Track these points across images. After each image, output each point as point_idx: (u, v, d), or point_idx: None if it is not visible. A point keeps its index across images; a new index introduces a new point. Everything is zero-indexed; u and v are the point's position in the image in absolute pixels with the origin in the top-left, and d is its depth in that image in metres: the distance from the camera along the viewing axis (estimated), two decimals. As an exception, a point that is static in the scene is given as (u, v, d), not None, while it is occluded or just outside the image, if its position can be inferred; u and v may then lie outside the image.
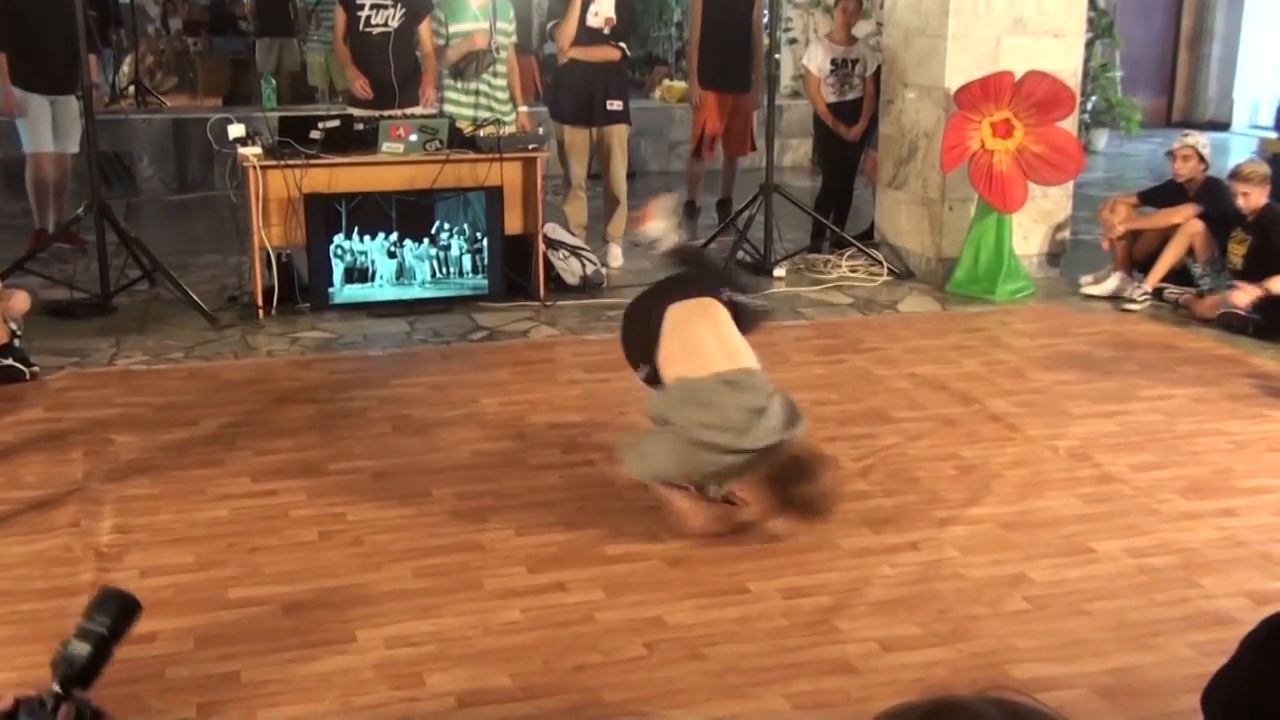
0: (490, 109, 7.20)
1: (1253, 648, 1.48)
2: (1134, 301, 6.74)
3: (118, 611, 1.67)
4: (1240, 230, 6.53)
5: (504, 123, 6.93)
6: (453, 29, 7.13)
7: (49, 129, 7.67)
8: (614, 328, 6.32)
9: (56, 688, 1.60)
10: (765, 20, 8.61)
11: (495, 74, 7.25)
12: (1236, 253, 6.54)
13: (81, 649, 1.62)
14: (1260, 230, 6.43)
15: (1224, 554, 3.87)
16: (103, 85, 6.92)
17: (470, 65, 7.16)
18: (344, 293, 6.41)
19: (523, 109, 7.53)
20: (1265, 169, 6.68)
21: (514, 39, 7.41)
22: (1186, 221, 6.69)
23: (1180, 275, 6.78)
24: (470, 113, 7.14)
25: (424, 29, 7.23)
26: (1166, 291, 6.76)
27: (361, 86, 7.10)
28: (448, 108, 7.25)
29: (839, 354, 5.96)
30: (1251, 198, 6.42)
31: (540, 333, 6.30)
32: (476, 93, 7.22)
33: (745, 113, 8.58)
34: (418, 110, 7.15)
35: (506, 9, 7.32)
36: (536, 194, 6.74)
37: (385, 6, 7.05)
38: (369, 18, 7.06)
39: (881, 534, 4.00)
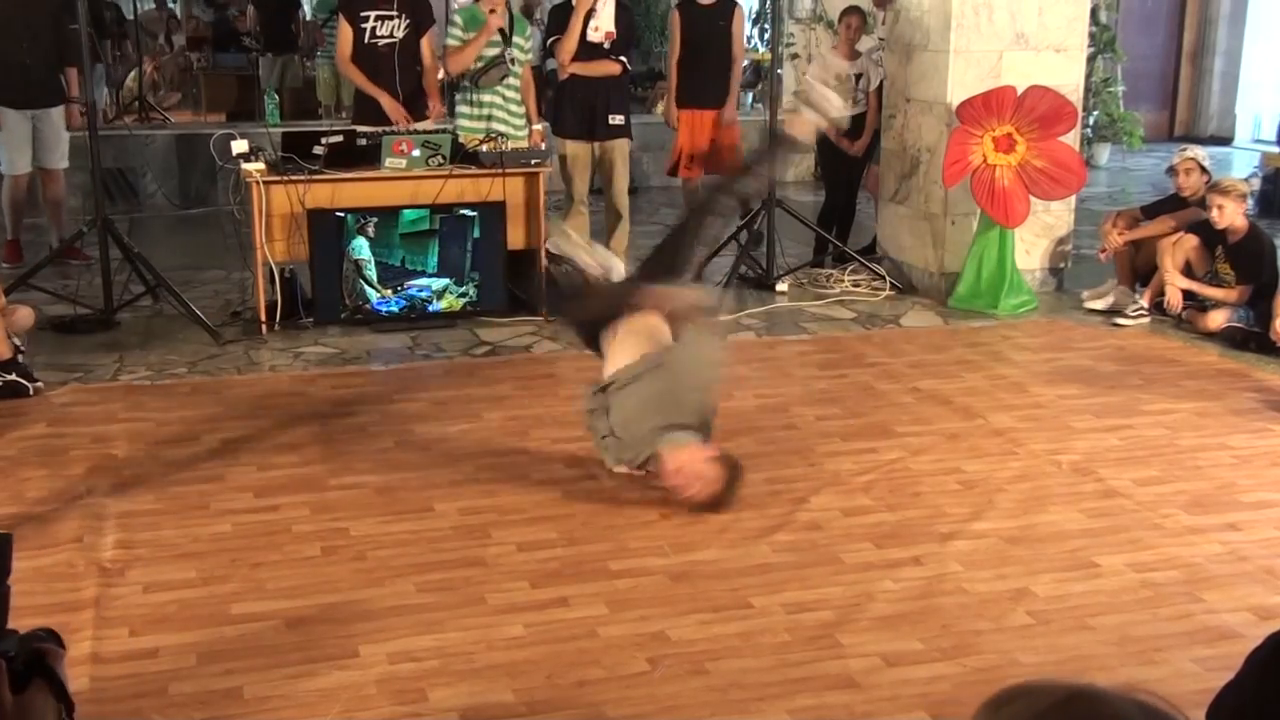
0: (505, 122, 7.17)
1: (1257, 664, 1.48)
2: (1127, 317, 6.74)
3: None
4: (1221, 249, 6.53)
5: (507, 138, 6.93)
6: (468, 36, 7.09)
7: (27, 148, 7.65)
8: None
9: None
10: (747, 34, 8.52)
11: (509, 88, 7.22)
12: (1225, 270, 6.54)
13: None
14: (1242, 258, 6.44)
15: (1227, 569, 3.86)
16: (89, 97, 6.88)
17: (490, 69, 7.08)
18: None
19: (538, 126, 7.50)
20: (1245, 187, 6.69)
21: (530, 56, 7.38)
22: (1181, 237, 6.69)
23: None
24: (484, 125, 7.11)
25: (425, 42, 7.23)
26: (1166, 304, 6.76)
27: (390, 105, 6.96)
28: (461, 121, 7.24)
29: (841, 368, 5.96)
30: (1225, 213, 6.41)
31: (543, 347, 6.31)
32: (490, 105, 7.19)
33: (727, 126, 8.38)
34: (421, 125, 7.14)
35: (524, 26, 7.30)
36: (539, 209, 6.76)
37: (390, 18, 7.02)
38: (374, 29, 7.01)
39: (884, 549, 4.00)
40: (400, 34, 7.01)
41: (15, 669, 1.47)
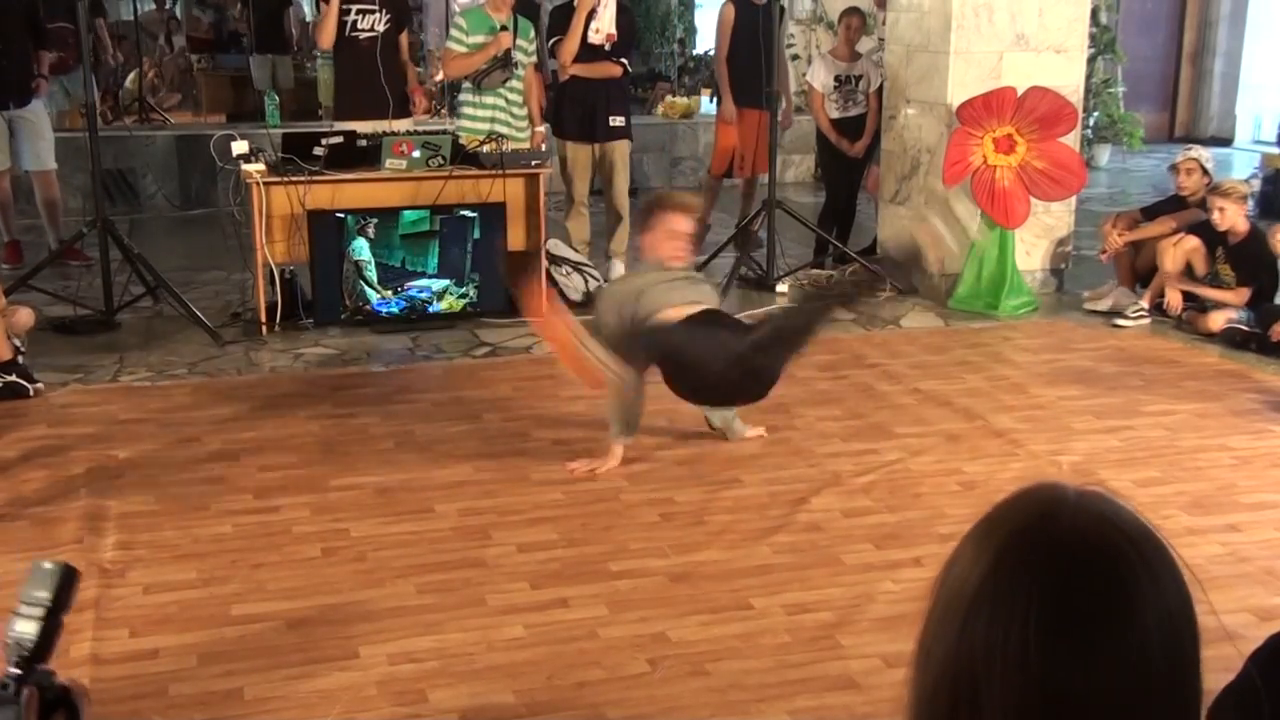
0: (507, 124, 7.17)
1: (1258, 665, 1.48)
2: (1127, 318, 6.74)
3: (58, 584, 1.65)
4: (1222, 250, 6.53)
5: (508, 139, 6.93)
6: (473, 40, 7.09)
7: (4, 145, 7.65)
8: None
9: (15, 669, 1.57)
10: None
11: (512, 89, 7.22)
12: (1226, 272, 6.54)
13: (27, 629, 1.60)
14: (1243, 260, 6.44)
15: (1228, 570, 3.86)
16: (90, 98, 6.89)
17: (492, 72, 7.07)
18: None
19: (540, 128, 7.50)
20: (1245, 189, 6.70)
21: (533, 58, 7.38)
22: (1182, 238, 6.68)
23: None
24: (486, 127, 7.09)
25: (403, 38, 7.27)
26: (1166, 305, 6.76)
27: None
28: (463, 122, 7.24)
29: (842, 369, 5.95)
30: (1227, 215, 6.41)
31: (543, 349, 6.29)
32: (494, 107, 7.18)
33: (765, 130, 8.40)
34: (408, 125, 7.16)
35: (527, 28, 7.29)
36: (539, 210, 6.76)
37: (371, 11, 7.01)
38: (355, 22, 7.00)
39: (885, 550, 4.00)
40: (381, 28, 7.03)
41: (46, 699, 1.54)
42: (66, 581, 1.65)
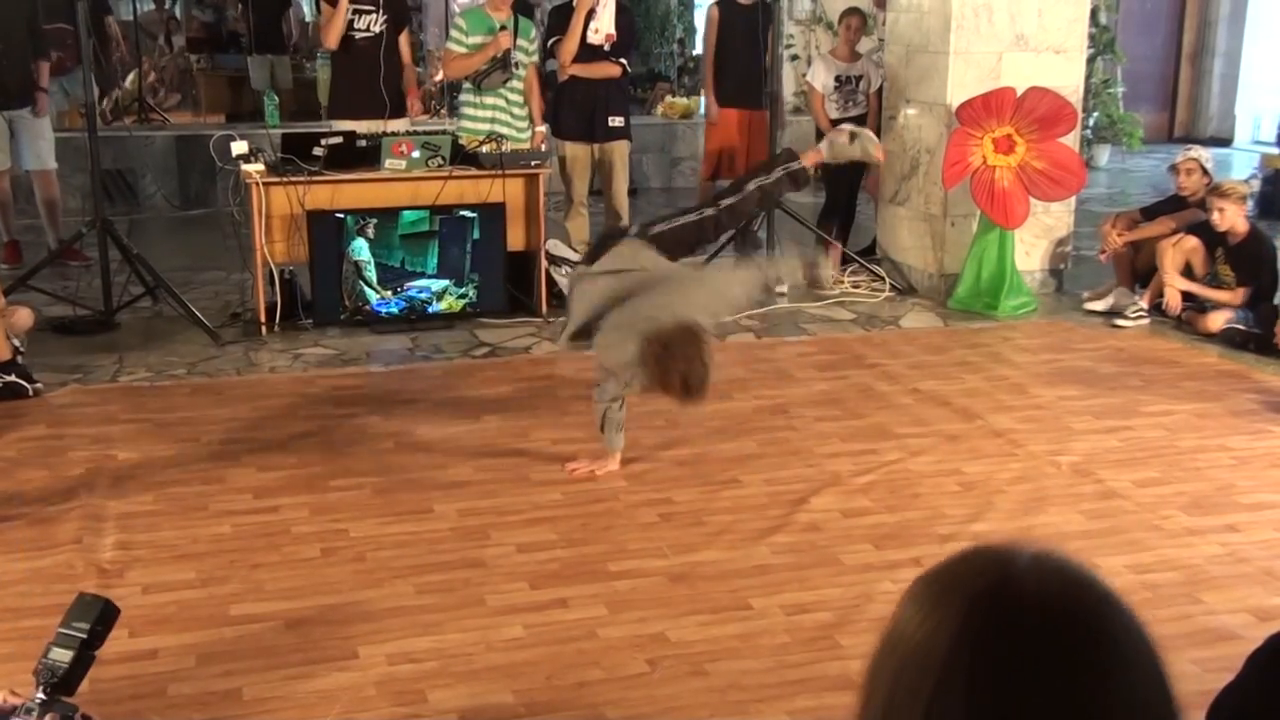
0: (508, 124, 7.17)
1: (1257, 666, 1.48)
2: (1127, 318, 6.74)
3: (96, 617, 1.68)
4: (1222, 251, 6.53)
5: (508, 139, 6.93)
6: (472, 40, 7.09)
7: (5, 145, 7.65)
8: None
9: (41, 695, 1.62)
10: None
11: (512, 90, 7.22)
12: (1226, 272, 6.55)
13: (62, 656, 1.64)
14: (1242, 260, 6.44)
15: (1227, 570, 3.86)
16: (89, 98, 6.88)
17: (492, 72, 7.07)
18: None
19: (541, 128, 7.49)
20: (1245, 189, 6.70)
21: (534, 58, 7.37)
22: (1181, 238, 6.69)
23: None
24: (486, 127, 7.09)
25: (404, 39, 7.26)
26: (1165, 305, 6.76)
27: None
28: (464, 123, 7.24)
29: (841, 370, 5.96)
30: (1226, 215, 6.41)
31: (542, 349, 6.30)
32: (494, 107, 7.18)
33: (764, 130, 8.42)
34: (403, 125, 7.16)
35: (528, 27, 7.29)
36: (539, 210, 6.76)
37: (368, 11, 7.03)
38: (352, 22, 7.03)
39: (884, 550, 4.00)
40: (378, 28, 7.04)
41: None
42: (104, 617, 1.69)
